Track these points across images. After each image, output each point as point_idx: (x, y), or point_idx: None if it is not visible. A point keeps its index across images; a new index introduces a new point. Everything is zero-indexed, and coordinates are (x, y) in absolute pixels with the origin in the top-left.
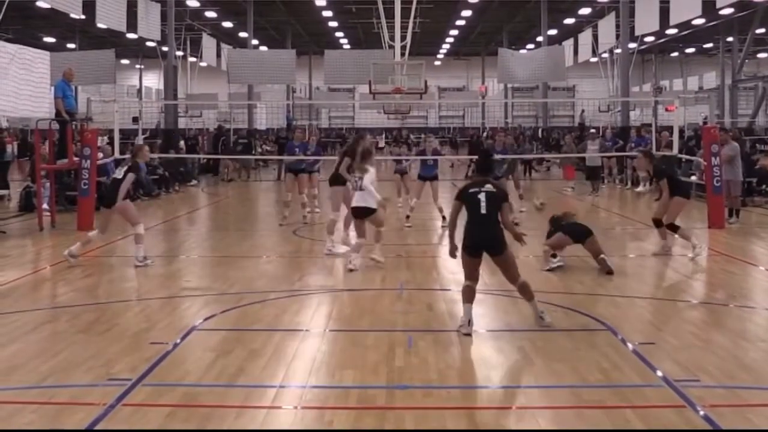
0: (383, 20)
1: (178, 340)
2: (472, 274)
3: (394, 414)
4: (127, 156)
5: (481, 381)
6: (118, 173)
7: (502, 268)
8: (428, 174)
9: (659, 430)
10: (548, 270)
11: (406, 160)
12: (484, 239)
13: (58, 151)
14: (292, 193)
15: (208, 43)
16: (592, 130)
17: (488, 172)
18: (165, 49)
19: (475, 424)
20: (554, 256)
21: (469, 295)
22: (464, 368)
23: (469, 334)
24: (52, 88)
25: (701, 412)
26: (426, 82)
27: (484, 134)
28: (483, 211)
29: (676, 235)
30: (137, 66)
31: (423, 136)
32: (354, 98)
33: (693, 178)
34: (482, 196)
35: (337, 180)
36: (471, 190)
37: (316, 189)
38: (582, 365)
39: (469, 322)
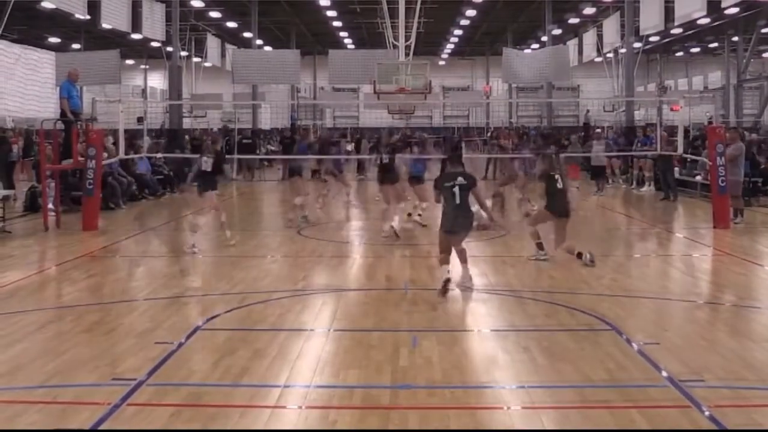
0: (387, 20)
1: (183, 340)
2: (446, 248)
3: (398, 414)
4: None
5: (486, 381)
6: (206, 165)
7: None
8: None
9: (664, 430)
10: (534, 259)
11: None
12: (458, 224)
13: (63, 151)
14: (301, 195)
15: (212, 43)
16: (598, 130)
17: (459, 164)
18: (169, 49)
19: (479, 423)
20: (540, 246)
21: (444, 260)
22: (468, 368)
23: (449, 280)
24: (58, 88)
25: (706, 413)
26: (430, 82)
27: (488, 134)
28: (457, 201)
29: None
30: (142, 66)
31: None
32: (358, 98)
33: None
34: (456, 189)
35: (385, 179)
36: (446, 184)
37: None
38: (586, 365)
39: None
